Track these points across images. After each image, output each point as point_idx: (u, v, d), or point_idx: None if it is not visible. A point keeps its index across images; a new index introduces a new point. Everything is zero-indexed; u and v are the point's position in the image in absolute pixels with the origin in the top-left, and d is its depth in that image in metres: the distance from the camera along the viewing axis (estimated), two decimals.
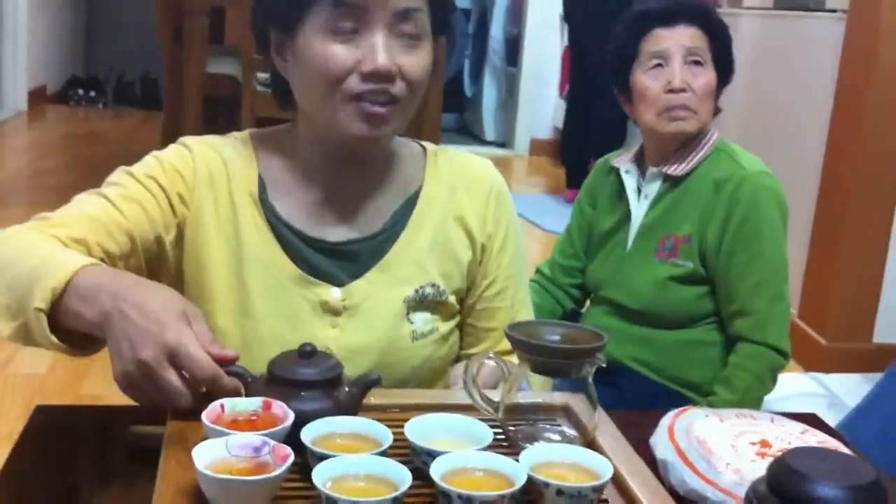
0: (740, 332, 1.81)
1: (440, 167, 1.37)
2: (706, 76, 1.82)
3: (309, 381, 1.02)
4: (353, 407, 1.05)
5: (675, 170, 1.84)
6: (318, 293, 1.27)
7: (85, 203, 1.23)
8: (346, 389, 1.05)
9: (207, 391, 1.02)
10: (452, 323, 1.36)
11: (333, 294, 1.28)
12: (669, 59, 1.82)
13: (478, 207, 1.36)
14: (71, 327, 1.07)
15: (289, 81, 1.28)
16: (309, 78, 1.22)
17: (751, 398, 1.76)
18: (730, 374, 1.79)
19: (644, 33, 1.86)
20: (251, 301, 1.27)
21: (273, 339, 1.25)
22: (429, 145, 1.40)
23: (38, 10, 7.14)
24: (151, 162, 1.28)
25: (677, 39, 1.82)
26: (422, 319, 1.31)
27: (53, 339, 1.06)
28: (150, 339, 0.99)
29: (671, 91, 1.81)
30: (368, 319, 1.28)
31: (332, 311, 1.27)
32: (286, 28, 1.23)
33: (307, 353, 1.05)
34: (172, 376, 1.00)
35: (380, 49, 1.18)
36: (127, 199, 1.23)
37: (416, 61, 1.21)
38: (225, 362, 1.03)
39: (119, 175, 1.27)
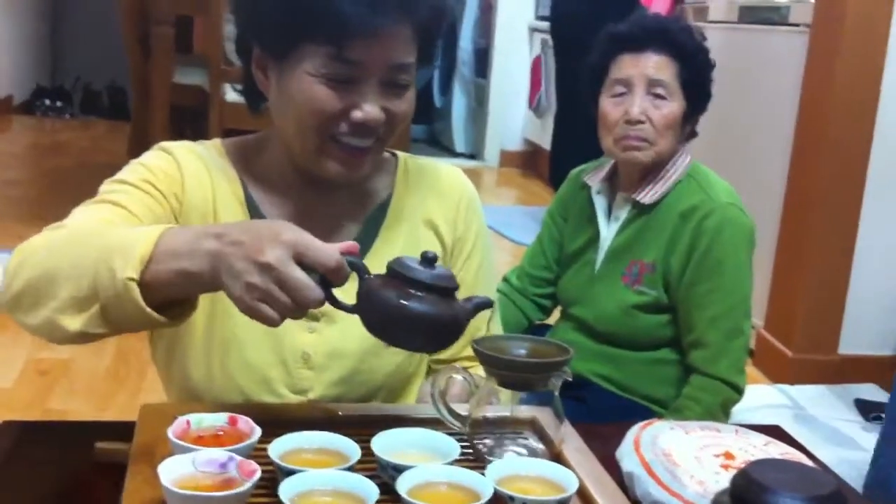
0: (695, 364, 1.80)
1: (411, 174, 1.38)
2: (668, 108, 1.80)
3: (427, 284, 1.00)
4: (461, 319, 1.02)
5: (645, 197, 1.84)
6: None
7: (93, 210, 1.20)
8: (461, 303, 1.03)
9: (328, 282, 1.00)
10: None
11: None
12: (632, 88, 1.80)
13: (447, 212, 1.37)
14: (157, 297, 1.03)
15: (266, 97, 1.28)
16: (292, 111, 1.22)
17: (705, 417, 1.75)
18: (681, 405, 1.79)
19: (613, 57, 1.84)
20: (230, 302, 1.26)
21: (250, 341, 1.26)
22: (400, 153, 1.41)
23: (3, 20, 7.08)
24: (139, 169, 1.26)
25: (641, 69, 1.80)
26: None
27: (148, 308, 1.02)
28: (270, 243, 0.98)
29: (628, 122, 1.80)
30: (345, 326, 1.28)
31: (310, 316, 1.27)
32: (274, 54, 1.23)
33: (429, 259, 1.02)
34: (299, 272, 0.97)
35: (372, 101, 1.20)
36: (134, 203, 1.21)
37: (403, 105, 1.23)
38: (346, 253, 1.01)
39: (112, 185, 1.24)
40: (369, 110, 1.20)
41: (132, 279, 1.01)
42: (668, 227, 1.81)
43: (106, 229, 1.12)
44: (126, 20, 4.54)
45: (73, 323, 1.06)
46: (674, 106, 1.81)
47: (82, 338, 1.07)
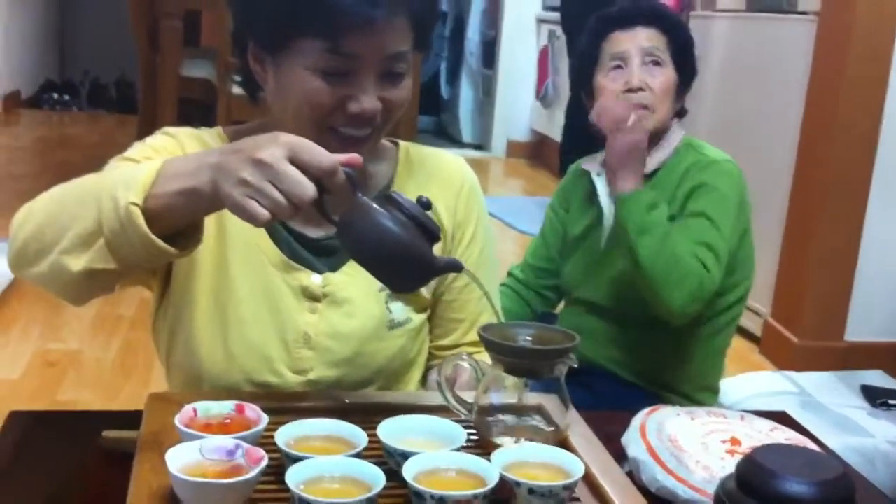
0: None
1: (412, 162, 1.39)
2: (664, 75, 1.86)
3: (416, 217, 1.01)
4: (434, 267, 1.03)
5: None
6: (299, 278, 1.28)
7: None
8: (437, 256, 1.04)
9: (321, 188, 1.00)
10: (424, 316, 1.38)
11: (314, 280, 1.29)
12: (628, 60, 1.86)
13: (448, 200, 1.38)
14: (163, 225, 1.04)
15: (263, 88, 1.28)
16: (289, 104, 1.22)
17: (663, 255, 1.69)
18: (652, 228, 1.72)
19: (604, 37, 1.90)
20: (234, 282, 1.27)
21: (252, 320, 1.27)
22: (401, 142, 1.41)
23: (11, 14, 7.09)
24: (145, 149, 1.26)
25: (635, 41, 1.87)
26: (398, 309, 1.33)
27: (151, 234, 1.02)
28: (267, 144, 0.99)
29: (630, 90, 1.84)
30: (348, 308, 1.29)
31: (312, 296, 1.28)
32: (268, 49, 1.23)
33: (423, 202, 1.04)
34: (293, 168, 0.98)
35: (369, 92, 1.20)
36: None
37: (400, 93, 1.23)
38: (347, 165, 1.02)
39: (117, 162, 1.23)
40: (366, 102, 1.20)
41: (134, 204, 1.02)
42: (669, 188, 1.83)
43: (109, 171, 1.14)
44: (134, 14, 4.54)
45: (78, 262, 1.07)
46: (669, 73, 1.87)
47: (87, 278, 1.08)
